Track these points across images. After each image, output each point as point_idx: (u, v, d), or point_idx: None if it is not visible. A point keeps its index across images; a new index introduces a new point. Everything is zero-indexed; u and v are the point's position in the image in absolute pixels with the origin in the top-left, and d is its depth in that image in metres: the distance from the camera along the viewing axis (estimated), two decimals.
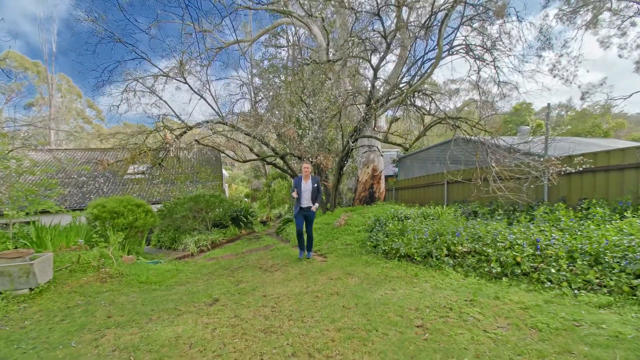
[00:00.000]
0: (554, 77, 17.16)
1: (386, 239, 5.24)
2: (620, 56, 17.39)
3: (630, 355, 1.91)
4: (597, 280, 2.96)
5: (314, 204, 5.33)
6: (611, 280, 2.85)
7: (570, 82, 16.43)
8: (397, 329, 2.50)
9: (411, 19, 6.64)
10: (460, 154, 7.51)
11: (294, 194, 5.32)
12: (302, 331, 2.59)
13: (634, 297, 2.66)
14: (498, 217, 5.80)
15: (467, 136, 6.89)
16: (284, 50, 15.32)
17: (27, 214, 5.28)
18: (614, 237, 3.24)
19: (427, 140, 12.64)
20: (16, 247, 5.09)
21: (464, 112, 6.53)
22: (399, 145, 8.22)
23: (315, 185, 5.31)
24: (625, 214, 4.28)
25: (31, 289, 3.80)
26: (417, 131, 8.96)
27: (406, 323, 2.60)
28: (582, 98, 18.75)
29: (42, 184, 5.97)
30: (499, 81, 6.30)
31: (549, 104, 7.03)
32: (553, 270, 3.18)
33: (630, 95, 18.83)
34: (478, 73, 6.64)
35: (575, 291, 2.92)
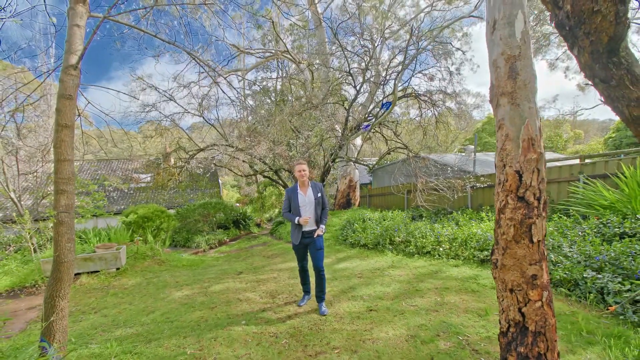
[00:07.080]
0: None
1: (353, 234, 7.49)
2: (566, 76, 20.86)
3: (448, 282, 4.19)
4: (462, 254, 5.30)
5: (318, 225, 3.56)
6: (465, 253, 5.20)
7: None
8: (347, 278, 4.73)
9: (373, 72, 9.06)
10: (412, 170, 9.95)
11: (290, 216, 3.53)
12: (296, 282, 4.77)
13: (473, 260, 5.00)
14: (434, 219, 8.17)
15: (417, 156, 9.31)
16: (276, 72, 17.47)
17: (95, 216, 7.16)
18: (475, 230, 5.61)
19: (395, 155, 15.11)
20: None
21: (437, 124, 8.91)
22: (365, 165, 10.59)
23: (319, 194, 3.57)
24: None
25: (117, 269, 5.78)
26: (387, 148, 11.38)
27: (353, 276, 4.84)
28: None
29: (93, 197, 7.85)
30: (437, 121, 8.75)
31: (476, 135, 9.56)
32: (441, 249, 5.52)
33: (576, 111, 23.11)
34: (422, 114, 9.10)
35: (449, 259, 5.25)
